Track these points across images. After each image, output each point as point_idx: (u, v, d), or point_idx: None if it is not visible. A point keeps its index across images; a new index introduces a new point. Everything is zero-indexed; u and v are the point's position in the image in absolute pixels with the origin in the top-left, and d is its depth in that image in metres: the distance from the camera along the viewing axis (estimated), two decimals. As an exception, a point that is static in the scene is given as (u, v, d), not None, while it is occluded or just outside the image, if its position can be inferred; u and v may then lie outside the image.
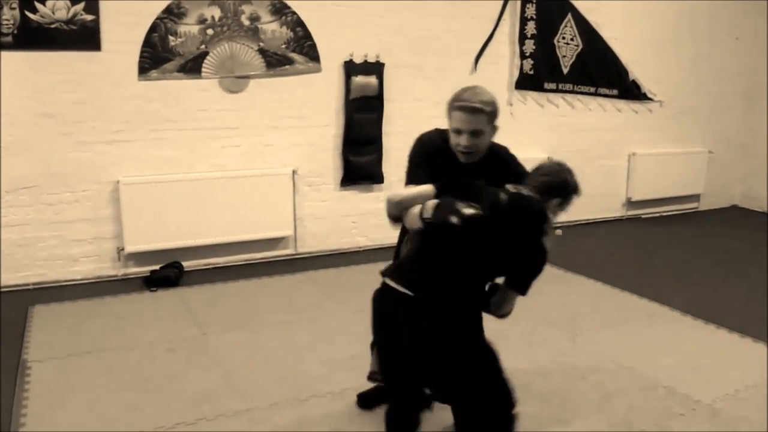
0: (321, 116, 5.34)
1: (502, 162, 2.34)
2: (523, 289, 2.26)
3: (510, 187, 2.08)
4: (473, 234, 2.04)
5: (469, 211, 2.01)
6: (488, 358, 2.24)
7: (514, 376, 3.36)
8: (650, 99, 6.94)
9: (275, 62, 5.09)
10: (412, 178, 2.37)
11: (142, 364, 3.46)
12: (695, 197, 7.65)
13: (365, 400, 2.98)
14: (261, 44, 5.01)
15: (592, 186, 6.81)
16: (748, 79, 7.64)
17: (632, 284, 4.83)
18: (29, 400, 3.06)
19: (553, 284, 4.86)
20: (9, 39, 4.26)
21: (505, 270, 2.23)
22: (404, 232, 2.66)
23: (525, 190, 2.08)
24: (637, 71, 6.78)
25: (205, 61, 4.86)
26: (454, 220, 2.00)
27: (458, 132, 2.25)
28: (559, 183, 2.13)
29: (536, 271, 2.21)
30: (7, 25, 4.24)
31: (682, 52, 7.07)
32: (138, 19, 4.60)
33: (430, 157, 2.36)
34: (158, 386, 3.22)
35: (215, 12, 4.82)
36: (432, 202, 2.10)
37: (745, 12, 7.38)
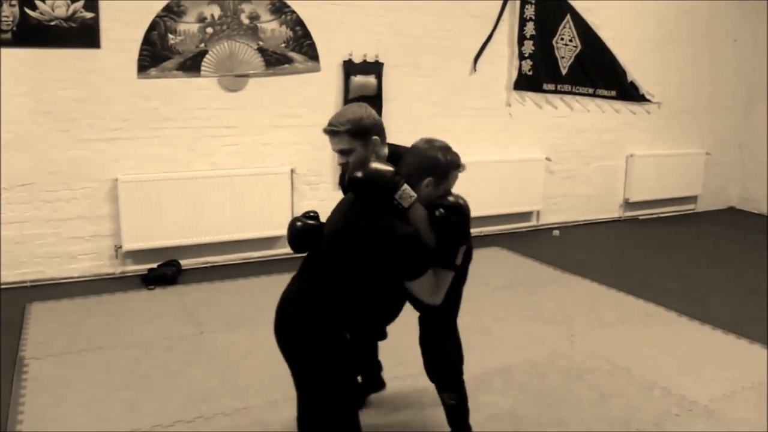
0: (320, 115, 5.29)
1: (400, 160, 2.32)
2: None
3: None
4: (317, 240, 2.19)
5: (300, 222, 2.29)
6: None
7: (511, 375, 3.39)
8: (648, 100, 6.96)
9: (274, 61, 5.09)
10: None
11: (139, 362, 3.46)
12: (692, 199, 7.67)
13: None
14: (260, 43, 5.02)
15: (590, 187, 6.88)
16: (746, 80, 7.67)
17: (629, 285, 4.85)
18: (26, 398, 3.06)
19: (550, 285, 4.88)
20: (8, 36, 4.25)
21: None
22: None
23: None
24: (635, 72, 6.80)
25: (205, 59, 4.86)
26: (292, 231, 2.28)
27: (335, 152, 2.36)
28: (427, 162, 2.11)
29: (412, 265, 2.03)
30: (6, 22, 4.23)
31: (681, 53, 7.09)
32: (137, 17, 4.60)
33: (343, 188, 2.54)
34: (156, 384, 3.23)
35: (215, 10, 4.83)
36: None
37: (744, 13, 7.40)
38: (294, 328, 2.12)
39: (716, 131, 7.63)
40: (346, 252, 2.04)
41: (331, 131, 2.30)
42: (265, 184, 5.13)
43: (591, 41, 6.45)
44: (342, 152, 2.31)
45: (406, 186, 1.99)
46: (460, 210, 2.06)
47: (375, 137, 2.31)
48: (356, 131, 2.27)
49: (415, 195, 2.01)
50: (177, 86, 4.80)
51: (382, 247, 1.96)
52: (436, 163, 2.10)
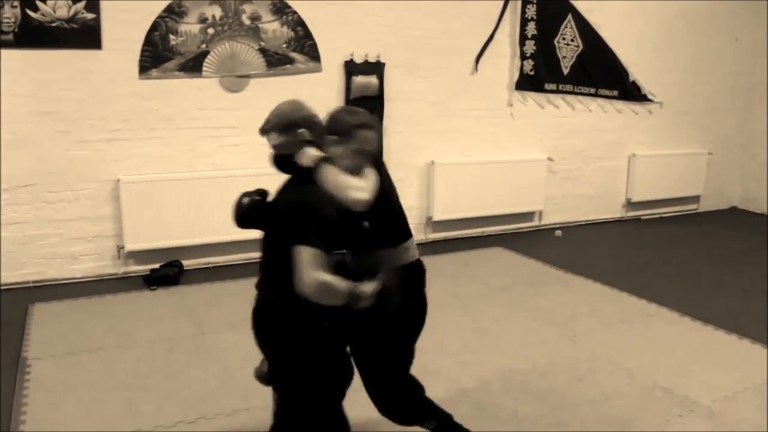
0: (321, 116, 5.33)
1: None
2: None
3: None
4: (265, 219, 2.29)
5: (246, 197, 2.38)
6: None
7: (513, 376, 3.38)
8: (650, 100, 6.95)
9: (276, 62, 5.09)
10: None
11: (141, 363, 3.46)
12: (694, 198, 7.66)
13: None
14: (262, 43, 5.02)
15: (591, 187, 6.87)
16: (747, 80, 7.66)
17: (631, 285, 4.84)
18: (29, 398, 3.07)
19: (552, 285, 4.88)
20: (10, 37, 4.26)
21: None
22: None
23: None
24: (636, 72, 6.79)
25: (206, 60, 4.86)
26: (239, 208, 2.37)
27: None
28: (330, 121, 2.27)
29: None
30: (8, 23, 4.24)
31: (682, 53, 7.08)
32: (139, 18, 4.61)
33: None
34: (158, 385, 3.23)
35: (216, 11, 4.83)
36: None
37: (745, 13, 7.39)
38: (265, 322, 2.16)
39: (718, 131, 7.63)
40: (287, 230, 2.12)
41: (261, 131, 2.43)
42: (265, 184, 5.11)
43: (593, 41, 6.44)
44: (275, 147, 2.43)
45: (305, 148, 2.18)
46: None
47: (302, 130, 2.40)
48: (282, 127, 2.40)
49: (317, 155, 2.16)
50: (178, 87, 4.80)
51: (299, 214, 2.12)
52: (336, 121, 2.27)
